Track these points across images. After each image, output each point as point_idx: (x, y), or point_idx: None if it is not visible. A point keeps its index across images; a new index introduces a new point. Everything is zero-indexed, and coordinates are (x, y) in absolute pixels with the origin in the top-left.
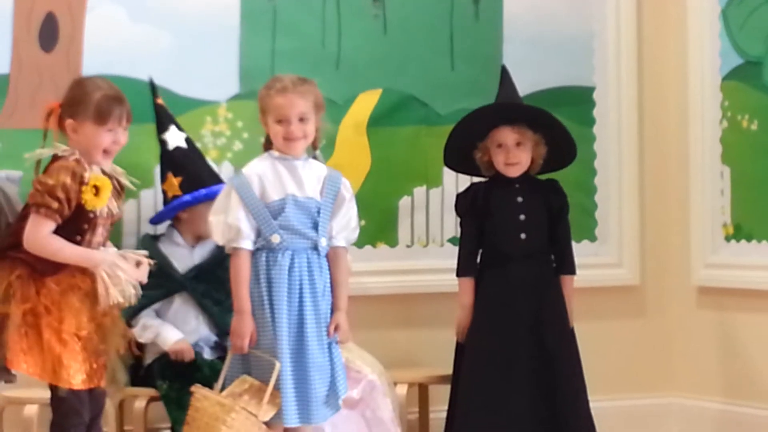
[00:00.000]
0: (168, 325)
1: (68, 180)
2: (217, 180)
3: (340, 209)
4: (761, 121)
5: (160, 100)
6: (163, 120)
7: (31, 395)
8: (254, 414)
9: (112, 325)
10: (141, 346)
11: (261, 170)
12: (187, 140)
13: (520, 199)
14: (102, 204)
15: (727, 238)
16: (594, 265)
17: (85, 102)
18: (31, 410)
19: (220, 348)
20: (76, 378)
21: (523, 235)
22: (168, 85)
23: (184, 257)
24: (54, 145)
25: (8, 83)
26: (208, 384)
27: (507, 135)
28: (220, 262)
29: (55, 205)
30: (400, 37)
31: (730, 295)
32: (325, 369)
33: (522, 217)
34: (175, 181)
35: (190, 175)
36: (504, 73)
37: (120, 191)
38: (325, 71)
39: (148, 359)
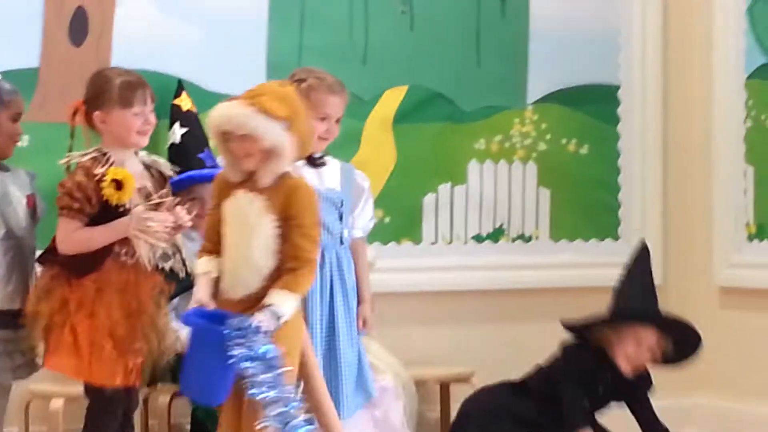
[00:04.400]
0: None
1: (83, 179)
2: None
3: (359, 200)
4: None
5: (176, 101)
6: (173, 118)
7: (56, 389)
8: None
9: (150, 323)
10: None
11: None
12: (184, 135)
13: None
14: (127, 197)
15: (750, 238)
16: (617, 264)
17: (108, 90)
18: (56, 404)
19: None
20: (111, 376)
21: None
22: (195, 80)
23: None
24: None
25: (38, 77)
26: None
27: (649, 336)
28: None
29: (76, 205)
30: (427, 33)
31: (753, 295)
32: (354, 364)
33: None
34: None
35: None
36: (643, 252)
37: (163, 181)
38: (352, 67)
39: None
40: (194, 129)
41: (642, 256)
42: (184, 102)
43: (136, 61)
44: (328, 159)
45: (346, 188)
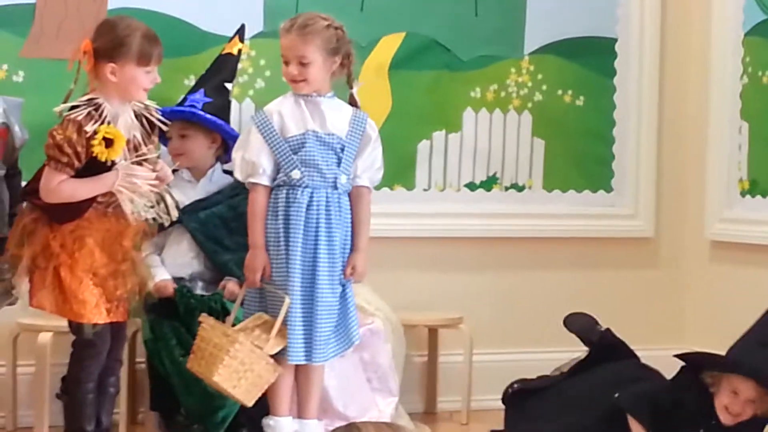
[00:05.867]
0: (161, 267)
1: (74, 135)
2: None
3: (365, 149)
4: None
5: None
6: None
7: (45, 323)
8: (260, 347)
9: (132, 268)
10: None
11: (281, 107)
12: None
13: None
14: (116, 155)
15: (743, 194)
16: (609, 215)
17: (127, 44)
18: (45, 338)
19: (214, 284)
20: (94, 313)
21: None
22: (192, 21)
23: (186, 191)
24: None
25: (34, 12)
26: (193, 315)
27: (747, 389)
28: (224, 201)
29: (65, 159)
30: None
31: (744, 249)
32: (333, 309)
33: None
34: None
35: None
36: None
37: (150, 130)
38: (349, 12)
39: None
40: (211, 70)
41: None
42: (230, 45)
43: (132, 0)
44: (335, 103)
45: (352, 135)
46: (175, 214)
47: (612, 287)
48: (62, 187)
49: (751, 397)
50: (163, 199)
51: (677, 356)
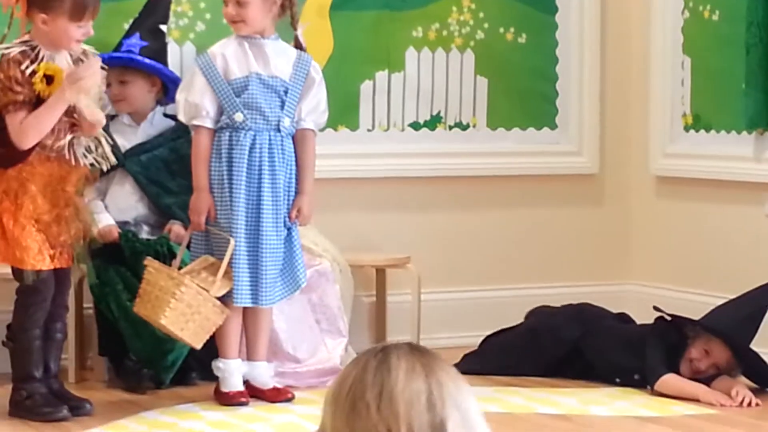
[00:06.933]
0: (105, 212)
1: (18, 73)
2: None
3: (309, 91)
4: (723, 12)
5: None
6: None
7: None
8: (206, 289)
9: (75, 214)
10: None
11: (225, 49)
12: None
13: None
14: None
15: (686, 128)
16: (554, 153)
17: None
18: None
19: (159, 228)
20: (37, 259)
21: None
22: None
23: (127, 135)
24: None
25: None
26: (139, 259)
27: (720, 353)
28: (166, 144)
29: (20, 97)
30: None
31: (688, 184)
32: (278, 252)
33: None
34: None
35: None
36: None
37: None
38: None
39: None
40: (144, 13)
41: (763, 293)
42: None
43: None
44: (279, 45)
45: (296, 78)
46: (113, 158)
47: (558, 224)
48: (27, 124)
49: (719, 362)
50: (100, 143)
51: (668, 316)
